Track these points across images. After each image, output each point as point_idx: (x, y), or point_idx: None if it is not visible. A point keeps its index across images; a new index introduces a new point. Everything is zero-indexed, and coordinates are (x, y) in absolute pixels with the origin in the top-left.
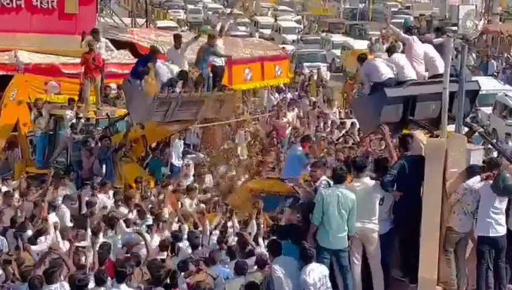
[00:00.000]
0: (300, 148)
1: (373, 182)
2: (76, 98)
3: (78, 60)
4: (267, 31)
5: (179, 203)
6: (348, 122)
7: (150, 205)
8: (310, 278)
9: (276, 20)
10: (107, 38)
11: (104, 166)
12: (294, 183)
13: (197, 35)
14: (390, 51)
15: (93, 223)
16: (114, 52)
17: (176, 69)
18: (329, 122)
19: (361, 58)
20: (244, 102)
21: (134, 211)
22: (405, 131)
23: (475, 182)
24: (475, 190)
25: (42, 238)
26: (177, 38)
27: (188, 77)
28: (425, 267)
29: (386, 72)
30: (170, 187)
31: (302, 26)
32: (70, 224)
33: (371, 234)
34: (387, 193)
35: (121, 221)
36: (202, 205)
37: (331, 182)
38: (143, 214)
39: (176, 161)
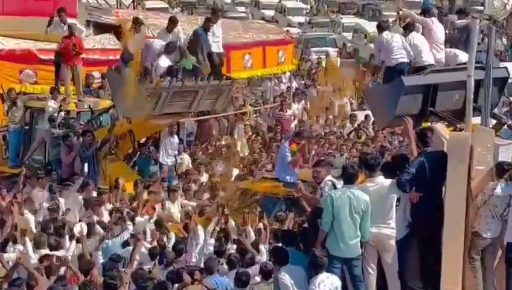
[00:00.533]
0: (287, 144)
1: (388, 181)
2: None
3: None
4: (270, 12)
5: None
6: (360, 115)
7: (126, 210)
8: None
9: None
10: (90, 21)
11: (86, 164)
12: (294, 190)
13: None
14: (409, 29)
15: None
16: (83, 33)
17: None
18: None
19: (381, 27)
20: (252, 93)
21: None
22: (425, 124)
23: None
24: (504, 192)
25: (18, 246)
26: (173, 21)
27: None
28: (448, 278)
29: (399, 55)
30: (145, 190)
31: (309, 6)
32: (34, 230)
33: (387, 240)
34: (404, 193)
35: (99, 228)
36: (189, 208)
37: (337, 183)
38: (122, 221)
39: (165, 159)
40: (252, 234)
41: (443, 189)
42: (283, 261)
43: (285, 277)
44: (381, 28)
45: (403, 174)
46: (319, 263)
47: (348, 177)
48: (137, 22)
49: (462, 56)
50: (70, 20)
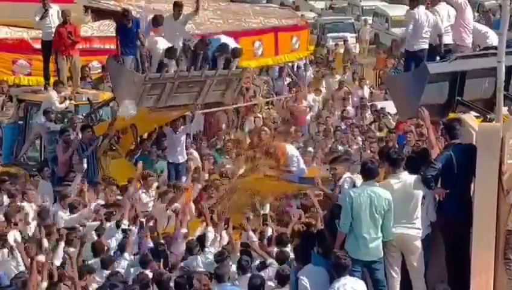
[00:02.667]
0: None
1: (413, 177)
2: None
3: None
4: None
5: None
6: (380, 105)
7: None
8: None
9: None
10: (87, 7)
11: (84, 161)
12: (310, 186)
13: (197, 7)
14: None
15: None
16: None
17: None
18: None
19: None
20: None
21: None
22: (452, 115)
23: None
24: None
25: None
26: (178, 6)
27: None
28: (478, 282)
29: (422, 40)
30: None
31: None
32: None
33: (412, 241)
34: (428, 191)
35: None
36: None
37: (357, 180)
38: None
39: (172, 158)
40: (255, 238)
41: (472, 185)
42: (306, 261)
43: (305, 280)
44: (415, 2)
45: (428, 169)
46: (342, 264)
47: (367, 174)
48: (126, 14)
49: (493, 36)
50: (54, 6)
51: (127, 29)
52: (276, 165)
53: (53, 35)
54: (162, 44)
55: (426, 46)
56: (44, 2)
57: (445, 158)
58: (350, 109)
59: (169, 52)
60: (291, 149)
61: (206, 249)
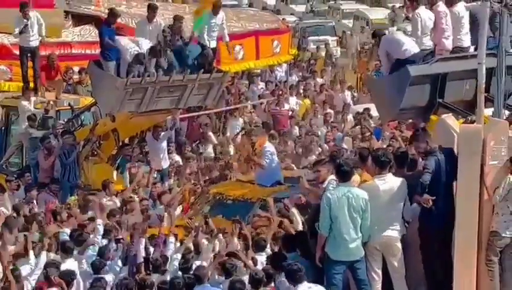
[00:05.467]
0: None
1: (398, 179)
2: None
3: None
4: (272, 1)
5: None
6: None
7: None
8: None
9: None
10: (67, 12)
11: (67, 168)
12: (284, 188)
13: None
14: (416, 1)
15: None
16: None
17: (145, 44)
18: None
19: (378, 34)
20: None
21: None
22: (433, 117)
23: None
24: None
25: None
26: (152, 9)
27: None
28: (460, 283)
29: (410, 46)
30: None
31: None
32: None
33: (394, 243)
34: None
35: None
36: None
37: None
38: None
39: (154, 165)
40: (237, 245)
41: (453, 187)
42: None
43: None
44: (378, 35)
45: (425, 175)
46: (295, 270)
47: (343, 175)
48: (113, 16)
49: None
50: (33, 14)
51: (111, 32)
52: (251, 154)
53: (32, 43)
54: (131, 46)
55: (417, 50)
56: (25, 12)
57: (435, 162)
58: (332, 112)
59: (152, 51)
60: (269, 146)
61: (174, 256)
